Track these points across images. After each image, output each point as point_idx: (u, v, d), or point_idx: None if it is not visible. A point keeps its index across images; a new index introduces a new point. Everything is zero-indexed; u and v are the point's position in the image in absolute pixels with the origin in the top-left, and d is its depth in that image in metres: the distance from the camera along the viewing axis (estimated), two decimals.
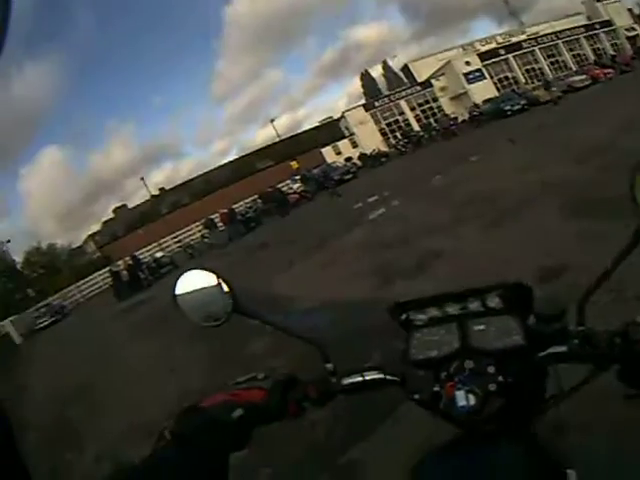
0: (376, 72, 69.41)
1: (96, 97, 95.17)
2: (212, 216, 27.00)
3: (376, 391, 1.01)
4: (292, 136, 46.20)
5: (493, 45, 40.60)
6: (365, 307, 4.92)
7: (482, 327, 0.94)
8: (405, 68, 46.47)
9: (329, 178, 28.56)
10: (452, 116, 33.24)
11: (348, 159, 35.52)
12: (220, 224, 26.22)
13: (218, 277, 0.97)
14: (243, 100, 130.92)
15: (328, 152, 39.04)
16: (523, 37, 41.21)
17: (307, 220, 18.53)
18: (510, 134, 16.00)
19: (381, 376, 0.99)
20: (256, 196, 30.12)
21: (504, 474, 0.77)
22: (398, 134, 36.87)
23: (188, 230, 32.07)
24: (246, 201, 31.46)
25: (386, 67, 59.66)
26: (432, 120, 36.53)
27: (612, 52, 39.57)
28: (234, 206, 27.92)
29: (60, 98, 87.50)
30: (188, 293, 1.00)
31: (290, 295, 7.23)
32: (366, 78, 63.86)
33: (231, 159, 46.93)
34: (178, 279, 1.01)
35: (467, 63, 38.29)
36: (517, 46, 39.92)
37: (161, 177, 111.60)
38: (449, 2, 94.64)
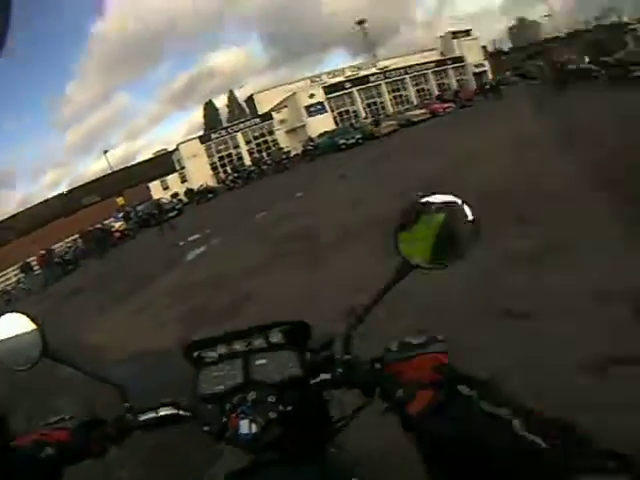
0: (222, 102, 66.61)
1: None
2: (29, 259, 25.26)
3: (172, 426, 1.05)
4: (124, 169, 41.59)
5: (340, 78, 39.02)
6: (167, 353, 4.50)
7: (264, 361, 1.00)
8: (249, 99, 43.57)
9: (152, 215, 25.92)
10: (286, 150, 30.58)
11: (174, 195, 33.16)
12: (37, 267, 24.52)
13: (30, 319, 0.99)
14: (84, 127, 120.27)
15: (155, 187, 35.62)
16: (372, 70, 40.27)
17: (125, 261, 18.07)
18: (341, 168, 17.03)
19: (174, 411, 1.04)
20: (77, 235, 28.62)
21: None
22: (229, 168, 34.06)
23: (4, 274, 28.93)
24: (67, 240, 29.96)
25: (231, 97, 56.39)
26: (265, 154, 33.87)
27: (456, 87, 39.85)
28: (54, 246, 27.18)
29: None
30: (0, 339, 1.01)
31: (98, 344, 6.90)
32: (209, 108, 59.98)
33: (58, 192, 41.14)
34: None
35: (311, 96, 36.00)
36: (364, 80, 38.60)
37: None
38: (308, 31, 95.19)
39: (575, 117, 11.65)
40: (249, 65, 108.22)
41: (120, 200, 34.40)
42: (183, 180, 35.47)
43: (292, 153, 30.71)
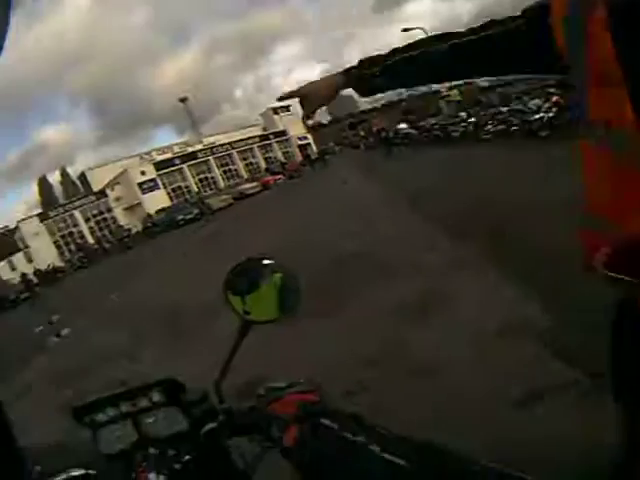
0: (55, 178, 63.12)
1: None
2: None
3: None
4: None
5: (169, 155, 40.73)
6: None
7: (153, 419, 1.01)
8: (82, 176, 42.82)
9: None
10: (126, 227, 30.70)
11: (23, 276, 29.97)
12: None
13: None
14: None
15: (3, 269, 32.25)
16: (200, 147, 42.74)
17: None
18: (181, 246, 17.56)
19: (84, 471, 1.02)
20: None
21: None
22: (73, 247, 32.91)
23: None
24: None
25: (64, 174, 54.15)
26: (107, 232, 33.45)
27: (283, 160, 43.84)
28: None
29: None
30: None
31: None
32: (44, 184, 56.65)
33: None
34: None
35: (142, 173, 37.01)
36: (193, 155, 40.95)
37: None
38: (135, 108, 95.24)
39: (403, 174, 13.83)
40: (80, 140, 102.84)
41: None
42: (29, 260, 32.84)
43: (133, 230, 30.89)
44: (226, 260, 3.46)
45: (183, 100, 49.98)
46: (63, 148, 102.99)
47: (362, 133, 42.11)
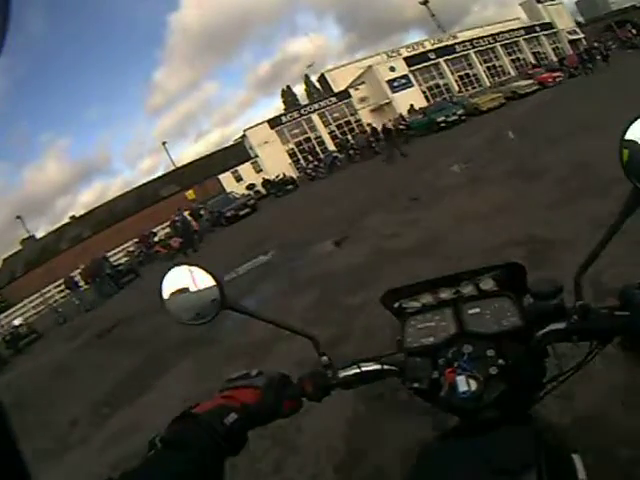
0: (299, 90, 62.53)
1: (30, 109, 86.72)
2: (73, 272, 20.58)
3: (375, 382, 0.98)
4: (203, 157, 36.32)
5: (421, 50, 34.08)
6: None
7: (478, 310, 0.93)
8: (322, 78, 39.22)
9: (218, 216, 22.95)
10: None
11: (250, 186, 28.94)
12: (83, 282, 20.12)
13: (206, 272, 0.92)
14: (176, 114, 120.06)
15: (227, 179, 31.21)
16: (457, 40, 35.06)
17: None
18: (445, 154, 13.42)
19: (378, 367, 0.96)
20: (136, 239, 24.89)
21: (509, 460, 0.73)
22: (309, 155, 29.52)
23: (57, 286, 25.30)
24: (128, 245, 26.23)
25: (308, 81, 52.30)
26: (350, 137, 29.28)
27: (554, 56, 34.87)
28: (110, 253, 24.15)
29: None
30: (175, 292, 0.95)
31: None
32: (287, 94, 56.09)
33: (141, 183, 36.52)
34: (163, 278, 0.95)
35: (391, 69, 31.57)
36: (450, 49, 33.67)
37: (91, 196, 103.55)
38: (380, 15, 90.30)
39: None
40: (329, 50, 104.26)
41: (190, 194, 30.16)
42: (257, 170, 31.26)
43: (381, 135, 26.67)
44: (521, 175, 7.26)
45: (424, 2, 41.99)
46: (313, 59, 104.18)
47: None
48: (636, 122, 0.71)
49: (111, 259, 23.62)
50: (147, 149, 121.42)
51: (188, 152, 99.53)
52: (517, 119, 16.64)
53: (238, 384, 0.92)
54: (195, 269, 0.93)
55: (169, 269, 0.96)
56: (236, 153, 33.15)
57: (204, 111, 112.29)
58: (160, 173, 35.36)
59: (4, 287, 29.42)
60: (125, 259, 24.67)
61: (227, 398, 0.87)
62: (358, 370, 0.96)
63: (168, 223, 22.53)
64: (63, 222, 36.68)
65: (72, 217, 35.94)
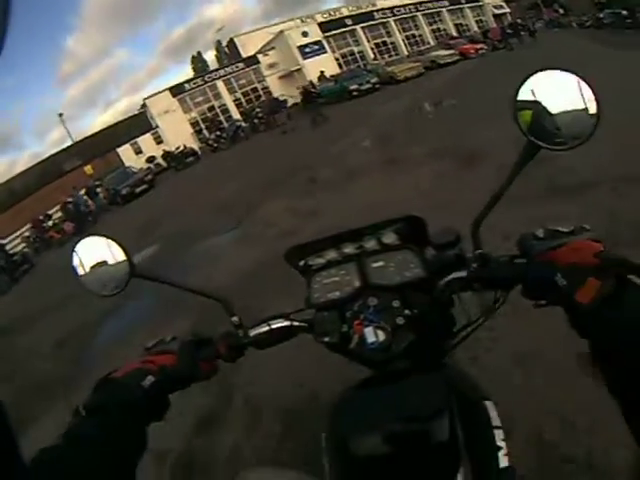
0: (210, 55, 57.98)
1: None
2: None
3: (286, 339, 0.98)
4: (107, 128, 31.55)
5: (338, 16, 31.23)
6: None
7: (381, 264, 0.94)
8: (230, 44, 35.31)
9: (114, 194, 20.41)
10: (281, 99, 23.52)
11: (150, 159, 25.91)
12: None
13: (113, 241, 0.92)
14: (86, 82, 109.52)
15: (126, 151, 27.76)
16: (375, 8, 32.49)
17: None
18: (357, 125, 12.30)
19: (287, 323, 0.96)
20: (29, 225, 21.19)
21: (420, 407, 0.75)
22: (211, 125, 26.25)
23: None
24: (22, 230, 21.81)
25: (219, 47, 47.90)
26: (256, 105, 26.17)
27: (477, 29, 33.04)
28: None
29: None
30: (86, 265, 0.94)
31: None
32: (197, 60, 51.53)
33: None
34: (74, 249, 0.95)
35: (304, 34, 28.63)
36: (368, 16, 31.14)
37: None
38: None
39: None
40: (245, 16, 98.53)
41: (88, 169, 26.44)
42: (158, 142, 27.86)
43: (289, 102, 23.78)
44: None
45: None
46: (227, 24, 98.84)
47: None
48: (525, 83, 0.73)
49: (7, 247, 19.82)
50: (56, 120, 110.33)
51: (97, 123, 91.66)
52: (435, 90, 14.97)
53: (153, 351, 0.90)
54: (102, 239, 0.92)
55: (76, 242, 0.94)
56: (139, 123, 29.01)
57: (113, 79, 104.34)
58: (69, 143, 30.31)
59: None
60: (22, 246, 21.04)
61: (144, 362, 0.85)
62: (268, 328, 0.95)
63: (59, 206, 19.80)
64: None
65: None
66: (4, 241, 20.08)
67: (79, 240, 0.94)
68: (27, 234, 21.45)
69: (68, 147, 28.65)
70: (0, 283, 14.95)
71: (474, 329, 0.91)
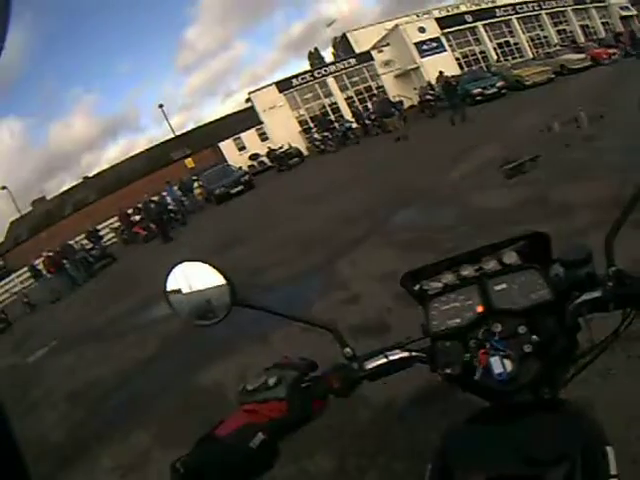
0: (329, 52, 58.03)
1: (59, 65, 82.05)
2: (37, 260, 18.39)
3: (402, 370, 0.92)
4: (218, 120, 31.75)
5: (456, 12, 29.84)
6: None
7: (504, 286, 0.88)
8: (342, 38, 34.74)
9: (209, 192, 20.35)
10: (396, 100, 22.79)
11: (254, 157, 25.66)
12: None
13: (213, 267, 0.88)
14: (206, 72, 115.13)
15: (228, 147, 27.57)
16: (496, 4, 30.63)
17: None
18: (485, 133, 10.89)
19: (405, 354, 0.90)
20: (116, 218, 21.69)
21: (546, 450, 0.69)
22: (319, 125, 25.85)
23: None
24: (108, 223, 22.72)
25: (336, 44, 47.94)
26: (369, 105, 25.63)
27: (603, 32, 30.54)
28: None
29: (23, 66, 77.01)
30: (179, 290, 0.90)
31: None
32: (314, 56, 51.67)
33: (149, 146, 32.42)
34: (169, 273, 0.91)
35: (421, 30, 27.54)
36: (489, 12, 29.38)
37: (117, 152, 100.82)
38: None
39: None
40: (364, 16, 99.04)
41: (189, 162, 26.73)
42: (263, 138, 27.60)
43: (405, 104, 23.02)
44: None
45: None
46: (344, 23, 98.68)
47: None
48: None
49: (100, 232, 21.04)
50: (177, 107, 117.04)
51: (215, 112, 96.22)
52: (579, 101, 11.94)
53: (259, 398, 0.83)
54: (203, 265, 0.89)
55: (173, 266, 0.90)
56: (247, 118, 29.30)
57: (234, 71, 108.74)
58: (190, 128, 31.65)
59: (7, 252, 27.02)
60: (111, 235, 22.17)
61: (251, 414, 0.81)
62: (385, 359, 0.89)
63: (141, 205, 19.23)
64: (77, 182, 33.59)
65: (85, 177, 32.53)
66: (99, 226, 21.17)
67: (174, 265, 0.90)
68: (116, 225, 21.91)
69: (177, 136, 29.75)
70: (76, 276, 15.95)
71: (597, 356, 0.85)
